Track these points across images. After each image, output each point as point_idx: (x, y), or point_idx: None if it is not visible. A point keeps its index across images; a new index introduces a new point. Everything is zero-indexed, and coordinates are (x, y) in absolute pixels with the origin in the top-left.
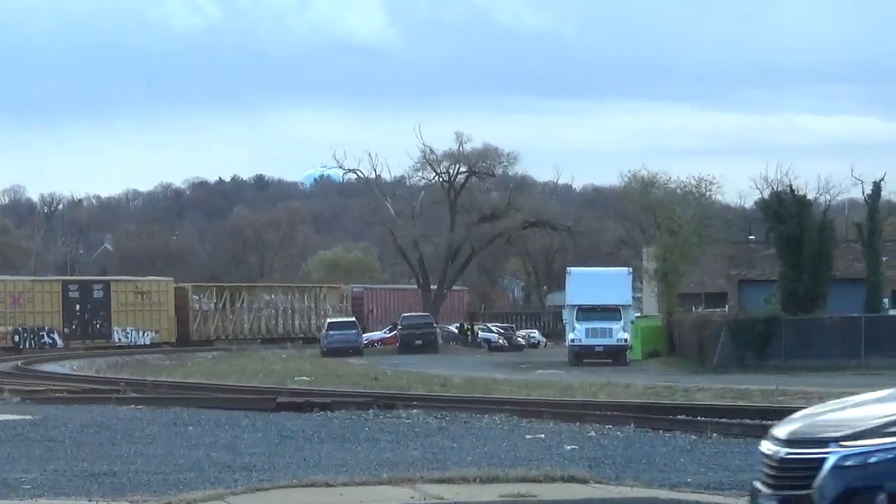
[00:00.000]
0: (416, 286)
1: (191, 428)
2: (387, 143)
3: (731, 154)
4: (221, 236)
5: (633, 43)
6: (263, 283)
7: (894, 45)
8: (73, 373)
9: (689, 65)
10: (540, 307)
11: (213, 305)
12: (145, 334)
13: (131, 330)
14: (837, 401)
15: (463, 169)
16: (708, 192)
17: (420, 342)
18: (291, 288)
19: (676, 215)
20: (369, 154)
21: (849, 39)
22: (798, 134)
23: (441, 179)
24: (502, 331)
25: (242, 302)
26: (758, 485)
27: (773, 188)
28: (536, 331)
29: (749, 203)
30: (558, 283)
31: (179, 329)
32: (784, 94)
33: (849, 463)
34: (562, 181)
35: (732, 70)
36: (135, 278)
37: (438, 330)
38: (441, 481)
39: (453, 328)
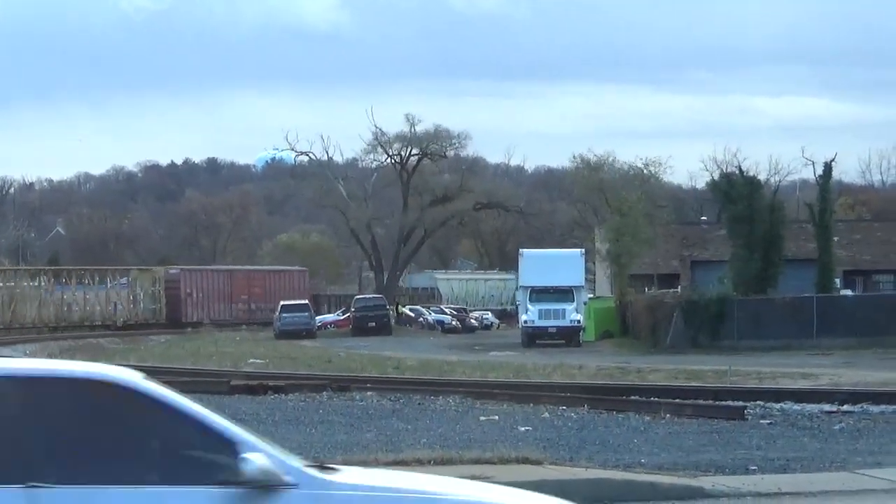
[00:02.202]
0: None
1: None
2: (339, 126)
3: (682, 136)
4: (174, 219)
5: (583, 26)
6: (65, 267)
7: (841, 26)
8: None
9: (639, 48)
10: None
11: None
12: None
13: None
14: None
15: (415, 151)
16: (656, 174)
17: (373, 324)
18: (88, 272)
19: (624, 197)
20: (321, 136)
21: (796, 21)
22: (747, 115)
23: (393, 161)
24: (455, 312)
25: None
26: None
27: (722, 170)
28: (489, 312)
29: (700, 184)
30: (511, 265)
31: None
32: (733, 76)
33: None
34: (514, 163)
35: (681, 53)
36: None
37: (390, 312)
38: (395, 464)
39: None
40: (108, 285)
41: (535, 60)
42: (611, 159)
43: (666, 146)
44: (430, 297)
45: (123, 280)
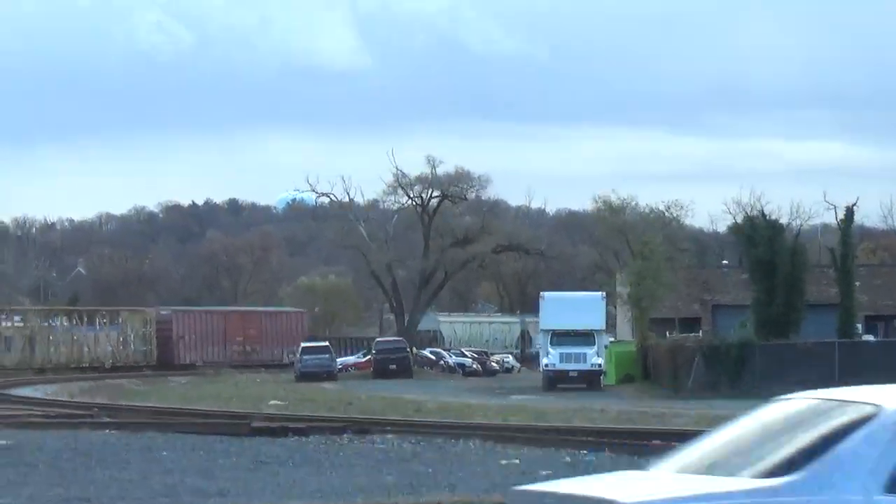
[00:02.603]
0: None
1: (165, 453)
2: (360, 167)
3: (700, 179)
4: (195, 260)
5: (600, 68)
6: (45, 308)
7: (858, 70)
8: (47, 397)
9: (657, 91)
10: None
11: None
12: None
13: None
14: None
15: (436, 193)
16: (678, 217)
17: (394, 367)
18: (71, 312)
19: (646, 240)
20: (342, 178)
21: (814, 65)
22: (768, 159)
23: (414, 203)
24: (476, 356)
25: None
26: None
27: (745, 212)
28: (510, 355)
29: (721, 227)
30: (532, 307)
31: None
32: (752, 120)
33: None
34: (535, 205)
35: (700, 96)
36: None
37: (410, 355)
38: None
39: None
40: (98, 327)
41: (554, 102)
42: (633, 202)
43: (684, 189)
44: (433, 339)
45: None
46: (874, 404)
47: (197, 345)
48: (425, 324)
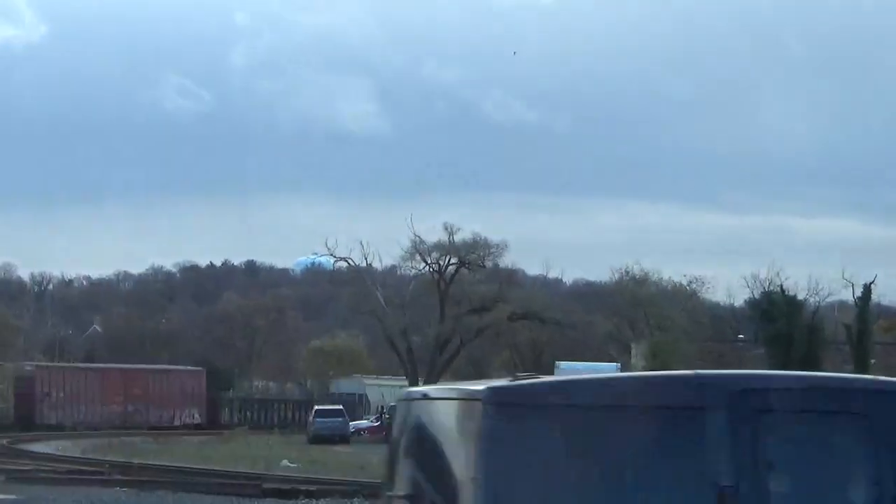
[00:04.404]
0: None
1: None
2: (378, 233)
3: (717, 254)
4: (211, 321)
5: (620, 143)
6: None
7: (875, 148)
8: (58, 453)
9: (675, 166)
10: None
11: None
12: None
13: None
14: None
15: (453, 260)
16: (698, 291)
17: None
18: None
19: (667, 312)
20: (361, 243)
21: (828, 144)
22: (785, 234)
23: (431, 270)
24: None
25: None
26: None
27: (763, 287)
28: None
29: (738, 302)
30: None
31: None
32: (769, 196)
33: None
34: (552, 275)
35: (716, 172)
36: None
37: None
38: None
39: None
40: None
41: (572, 173)
42: (655, 275)
43: (700, 264)
44: (358, 403)
45: None
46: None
47: (65, 404)
48: (350, 387)
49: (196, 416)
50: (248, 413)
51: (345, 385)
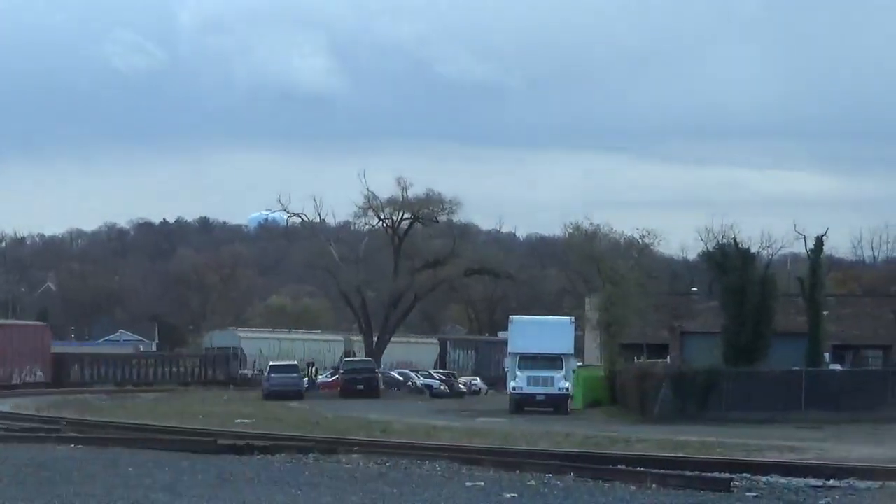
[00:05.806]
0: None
1: (130, 469)
2: (331, 187)
3: (672, 207)
4: (164, 278)
5: (574, 97)
6: None
7: (829, 103)
8: (13, 411)
9: (629, 119)
10: (197, 349)
11: None
12: None
13: None
14: None
15: (406, 215)
16: (651, 244)
17: (362, 387)
18: None
19: (619, 267)
20: (314, 198)
21: (785, 97)
22: (739, 188)
23: (385, 225)
24: (444, 377)
25: None
26: None
27: (717, 240)
28: (478, 378)
29: (691, 255)
30: (500, 330)
31: None
32: (719, 149)
33: None
34: (505, 230)
35: (670, 125)
36: None
37: (380, 375)
38: None
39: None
40: None
41: (525, 128)
42: (606, 229)
43: (655, 217)
44: (234, 356)
45: None
46: None
47: None
48: (224, 340)
49: (39, 373)
50: (103, 370)
51: (219, 338)
